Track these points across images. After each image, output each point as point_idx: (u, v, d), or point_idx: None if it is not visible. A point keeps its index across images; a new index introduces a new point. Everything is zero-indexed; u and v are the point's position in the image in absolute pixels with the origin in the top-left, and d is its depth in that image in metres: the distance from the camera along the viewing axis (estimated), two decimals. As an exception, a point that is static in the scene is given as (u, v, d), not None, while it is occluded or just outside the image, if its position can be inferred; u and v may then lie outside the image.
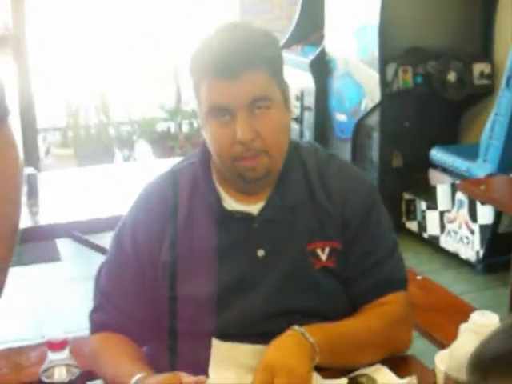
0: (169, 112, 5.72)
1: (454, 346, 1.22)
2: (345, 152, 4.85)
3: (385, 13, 4.35)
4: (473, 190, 3.13)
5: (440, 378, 1.33)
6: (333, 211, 1.53)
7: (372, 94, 4.53)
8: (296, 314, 1.48)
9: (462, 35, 4.70)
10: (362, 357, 1.50)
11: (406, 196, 4.63)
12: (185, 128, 5.71)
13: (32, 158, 5.19)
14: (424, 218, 4.52)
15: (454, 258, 4.30)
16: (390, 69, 4.42)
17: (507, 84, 3.69)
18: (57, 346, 1.23)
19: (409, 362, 1.60)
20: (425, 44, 4.56)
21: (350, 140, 4.80)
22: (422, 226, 4.55)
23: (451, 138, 4.70)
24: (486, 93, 4.62)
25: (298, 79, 5.18)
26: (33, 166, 5.10)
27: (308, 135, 5.24)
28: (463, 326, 1.23)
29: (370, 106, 4.56)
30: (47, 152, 5.39)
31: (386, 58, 4.42)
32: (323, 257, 1.52)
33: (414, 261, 4.34)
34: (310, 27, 5.31)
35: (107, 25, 6.03)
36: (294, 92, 5.27)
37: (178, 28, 6.00)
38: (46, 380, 1.24)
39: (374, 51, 4.42)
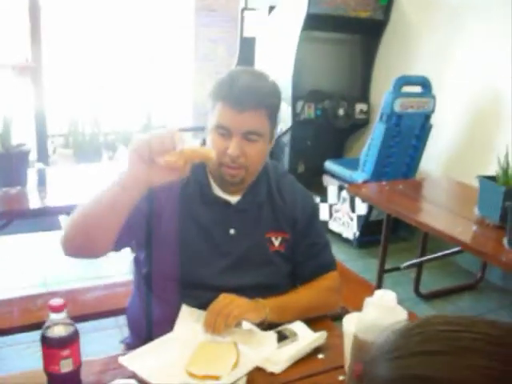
0: (142, 126, 5.54)
1: (362, 315, 1.11)
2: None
3: (296, 66, 4.30)
4: (356, 191, 3.09)
5: (346, 335, 1.23)
6: (285, 212, 1.50)
7: (286, 121, 4.45)
8: (252, 287, 1.40)
9: (348, 83, 4.70)
10: (304, 316, 1.45)
11: (307, 192, 4.58)
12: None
13: (42, 155, 5.03)
14: (318, 209, 4.47)
15: (338, 236, 4.26)
16: (299, 104, 4.37)
17: (380, 118, 3.67)
18: (56, 307, 1.09)
19: (320, 320, 1.50)
20: (323, 88, 4.52)
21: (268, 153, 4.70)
22: (317, 214, 4.49)
23: (339, 153, 4.70)
24: (363, 124, 4.62)
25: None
26: (43, 162, 5.00)
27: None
28: (368, 300, 1.12)
29: (284, 129, 4.49)
30: (54, 151, 5.20)
31: (296, 96, 4.36)
32: (276, 243, 1.49)
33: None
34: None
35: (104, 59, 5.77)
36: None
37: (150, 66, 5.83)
38: (48, 335, 1.08)
39: (288, 91, 4.34)
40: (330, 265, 1.57)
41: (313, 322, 1.43)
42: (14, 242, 3.99)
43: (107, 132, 5.42)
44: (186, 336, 1.29)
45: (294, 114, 4.37)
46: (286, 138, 4.50)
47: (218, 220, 1.45)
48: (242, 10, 5.31)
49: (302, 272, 1.53)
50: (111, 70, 5.77)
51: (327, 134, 4.61)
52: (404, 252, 3.73)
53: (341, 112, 4.46)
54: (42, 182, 2.67)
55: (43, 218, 3.69)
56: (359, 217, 4.00)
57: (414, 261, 3.35)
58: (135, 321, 1.54)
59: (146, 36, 6.09)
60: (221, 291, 1.33)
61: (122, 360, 1.20)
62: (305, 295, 1.49)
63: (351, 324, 1.21)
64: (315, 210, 1.60)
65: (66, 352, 1.08)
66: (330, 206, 4.31)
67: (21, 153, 2.55)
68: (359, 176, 3.86)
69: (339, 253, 3.99)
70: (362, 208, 3.95)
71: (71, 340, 1.09)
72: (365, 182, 3.72)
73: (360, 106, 4.55)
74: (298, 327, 1.40)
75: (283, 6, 4.51)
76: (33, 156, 5.02)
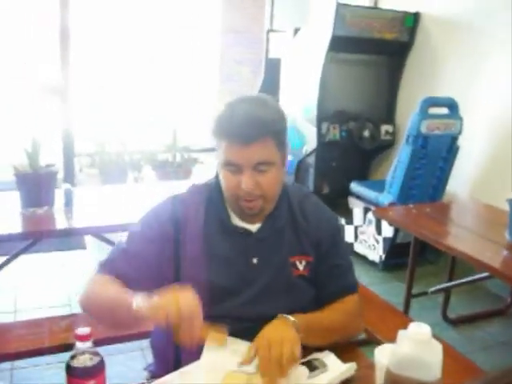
0: (167, 146, 5.55)
1: (396, 348, 1.06)
2: (289, 181, 4.73)
3: (321, 87, 4.28)
4: (383, 215, 3.04)
5: (379, 368, 1.18)
6: (309, 233, 1.45)
7: (311, 142, 4.44)
8: (277, 315, 1.33)
9: (373, 104, 4.65)
10: (328, 338, 1.40)
11: (331, 214, 4.53)
12: (178, 158, 5.52)
13: (69, 175, 5.07)
14: (343, 230, 4.41)
15: (363, 259, 4.19)
16: (324, 125, 4.34)
17: (407, 140, 3.61)
18: (83, 337, 1.06)
19: (350, 350, 1.46)
20: (348, 109, 4.50)
21: (293, 174, 4.69)
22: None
23: (364, 175, 4.64)
24: (389, 145, 4.56)
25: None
26: (69, 181, 5.05)
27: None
28: (402, 333, 1.06)
29: (309, 150, 4.47)
30: (80, 170, 5.21)
31: (321, 118, 4.33)
32: (300, 267, 1.44)
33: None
34: (268, 93, 5.07)
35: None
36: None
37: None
38: (73, 364, 1.05)
39: (313, 113, 4.33)
40: (351, 287, 1.51)
41: (341, 350, 1.38)
42: (39, 260, 4.01)
43: (133, 151, 5.44)
44: (213, 365, 1.25)
45: (319, 136, 4.33)
46: (311, 159, 4.47)
47: (239, 250, 1.41)
48: (268, 32, 5.33)
49: (322, 294, 1.48)
50: (137, 91, 5.84)
51: (352, 155, 4.57)
52: (431, 276, 3.65)
53: (366, 133, 4.41)
54: (68, 202, 2.68)
55: (69, 237, 3.71)
56: (385, 239, 3.93)
57: (442, 285, 3.27)
58: (160, 348, 1.50)
59: (172, 56, 6.16)
60: (246, 321, 1.30)
61: None
62: (328, 316, 1.43)
63: (384, 356, 1.16)
64: (339, 230, 1.54)
65: (91, 383, 1.05)
66: (356, 228, 4.25)
67: (49, 173, 2.56)
68: (385, 198, 3.80)
69: (364, 276, 3.93)
70: (388, 230, 3.88)
71: (96, 370, 1.05)
72: (391, 204, 3.66)
73: (385, 128, 4.50)
74: (328, 357, 1.35)
75: (308, 28, 4.51)
76: (59, 175, 5.10)
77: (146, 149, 5.50)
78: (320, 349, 1.37)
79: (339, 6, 4.09)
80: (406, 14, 4.33)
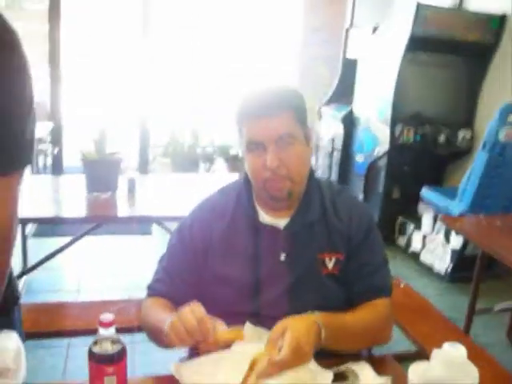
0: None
1: (427, 368, 0.99)
2: (359, 184, 4.67)
3: (397, 88, 4.16)
4: (451, 224, 2.90)
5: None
6: (340, 229, 1.39)
7: (383, 144, 4.31)
8: (306, 310, 1.27)
9: (451, 108, 4.43)
10: (355, 343, 1.34)
11: (400, 219, 4.40)
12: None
13: (143, 163, 5.24)
14: (411, 237, 4.27)
15: (428, 269, 4.04)
16: (398, 128, 4.19)
17: (483, 147, 3.43)
18: (106, 324, 1.06)
19: (388, 363, 1.39)
20: (424, 112, 4.31)
21: (364, 176, 4.58)
22: (409, 243, 4.29)
23: (437, 182, 4.43)
24: (466, 152, 4.34)
25: (332, 128, 5.06)
26: (143, 169, 5.23)
27: (335, 169, 5.06)
28: (435, 352, 0.99)
29: (381, 152, 4.35)
30: (153, 160, 5.36)
31: (395, 119, 4.19)
32: (330, 265, 1.38)
33: (400, 268, 4.11)
34: (344, 92, 5.07)
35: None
36: (328, 136, 5.12)
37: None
38: (94, 350, 1.05)
39: (387, 114, 4.21)
40: (380, 289, 1.41)
41: (377, 363, 1.32)
42: (106, 243, 4.15)
43: (205, 145, 5.52)
44: (243, 352, 1.22)
45: (392, 138, 4.20)
46: (383, 162, 4.34)
47: (267, 247, 1.39)
48: (347, 30, 5.23)
49: (351, 294, 1.41)
50: (215, 85, 5.90)
51: (426, 160, 4.39)
52: (499, 292, 3.43)
53: (442, 138, 4.23)
54: (131, 189, 2.75)
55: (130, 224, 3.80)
56: (453, 249, 3.75)
57: (509, 303, 3.07)
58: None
59: (250, 52, 6.17)
60: (273, 320, 1.22)
61: (173, 369, 1.20)
62: (353, 319, 1.34)
63: (417, 375, 1.09)
64: (372, 227, 1.44)
65: (110, 369, 1.05)
66: (424, 236, 4.09)
67: (113, 161, 2.63)
68: (457, 206, 3.62)
69: (428, 286, 3.78)
70: (457, 240, 3.70)
71: (117, 357, 1.06)
72: (462, 213, 3.49)
73: (463, 133, 4.28)
74: (362, 368, 1.28)
75: (387, 27, 4.38)
76: (134, 163, 5.26)
77: (219, 142, 5.57)
78: (356, 359, 1.32)
79: (420, 6, 3.93)
80: (491, 16, 4.10)
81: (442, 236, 3.85)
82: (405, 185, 4.35)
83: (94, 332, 2.21)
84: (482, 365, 2.02)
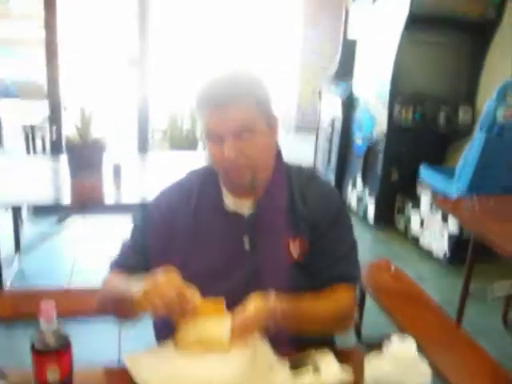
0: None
1: (374, 363, 0.95)
2: (358, 165, 4.61)
3: (396, 68, 4.07)
4: (444, 206, 2.83)
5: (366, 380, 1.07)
6: (306, 216, 1.36)
7: (381, 126, 4.24)
8: None
9: (452, 86, 4.31)
10: (311, 327, 1.31)
11: (398, 202, 4.34)
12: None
13: (143, 147, 5.18)
14: (409, 220, 4.21)
15: (428, 253, 3.99)
16: (396, 108, 4.11)
17: (480, 128, 3.35)
18: (47, 314, 1.03)
19: (352, 355, 1.34)
20: (423, 90, 4.21)
21: (362, 157, 4.51)
22: (408, 225, 4.24)
23: (437, 162, 4.31)
24: (467, 131, 4.22)
25: (332, 110, 4.99)
26: (142, 153, 5.18)
27: (334, 151, 5.00)
28: (386, 346, 0.95)
29: (379, 134, 4.28)
30: (152, 144, 5.33)
31: (393, 100, 4.11)
32: (295, 254, 1.36)
33: (399, 252, 4.08)
34: (344, 74, 4.98)
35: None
36: (328, 119, 5.07)
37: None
38: (36, 342, 1.03)
39: (386, 94, 4.13)
40: (343, 278, 1.38)
41: (340, 355, 1.27)
42: (96, 223, 4.10)
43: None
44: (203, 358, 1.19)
45: (390, 119, 4.13)
46: (381, 144, 4.28)
47: (231, 233, 1.36)
48: (347, 7, 5.09)
49: (315, 281, 1.37)
50: (214, 64, 5.84)
51: (426, 140, 4.29)
52: (497, 276, 3.37)
53: (442, 117, 4.14)
54: (117, 176, 2.71)
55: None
56: (451, 232, 3.69)
57: (505, 287, 3.01)
58: (163, 330, 1.47)
59: (254, 29, 6.09)
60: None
61: (126, 359, 1.18)
62: (313, 303, 1.33)
63: (370, 369, 1.05)
64: (340, 214, 1.41)
65: (52, 362, 1.03)
66: (422, 219, 4.03)
67: (97, 146, 2.60)
68: (454, 188, 3.55)
69: (426, 269, 3.75)
70: (455, 224, 3.63)
71: (59, 350, 1.03)
72: (459, 194, 3.42)
73: (464, 111, 4.18)
74: (325, 358, 1.25)
75: (386, 2, 4.26)
76: (133, 147, 5.22)
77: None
78: (320, 346, 1.28)
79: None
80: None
81: (439, 217, 3.78)
82: (404, 166, 4.27)
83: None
84: (470, 355, 2.01)
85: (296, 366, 1.22)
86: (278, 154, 1.41)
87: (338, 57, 5.19)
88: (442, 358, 1.95)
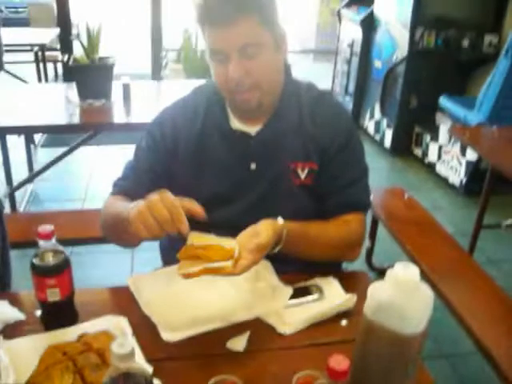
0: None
1: (374, 289, 0.93)
2: (376, 90, 4.49)
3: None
4: (461, 134, 2.75)
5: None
6: (316, 138, 1.31)
7: (402, 49, 4.07)
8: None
9: (479, 12, 4.08)
10: (317, 253, 1.29)
11: (417, 129, 4.24)
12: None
13: (156, 68, 5.08)
14: (427, 147, 4.12)
15: (444, 181, 3.93)
16: (418, 31, 3.94)
17: (506, 54, 3.19)
18: (45, 235, 1.02)
19: (359, 279, 1.33)
20: (447, 15, 3.99)
21: (381, 82, 4.37)
22: (425, 154, 4.16)
23: (459, 91, 4.18)
24: (491, 59, 4.03)
25: (351, 32, 4.82)
26: (156, 74, 5.07)
27: (353, 75, 4.86)
28: (388, 272, 0.92)
29: (400, 57, 4.12)
30: (165, 66, 5.20)
31: (416, 22, 3.92)
32: (302, 175, 1.31)
33: (414, 178, 4.03)
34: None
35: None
36: (347, 41, 4.90)
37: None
38: (35, 262, 1.03)
39: (408, 16, 3.94)
40: (354, 205, 1.34)
41: (346, 279, 1.27)
42: (110, 152, 4.12)
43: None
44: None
45: (412, 42, 3.96)
46: (401, 68, 4.13)
47: (237, 155, 1.32)
48: None
49: (324, 207, 1.34)
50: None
51: (448, 67, 4.13)
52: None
53: (465, 43, 3.96)
54: (126, 96, 2.66)
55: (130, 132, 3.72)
56: (469, 162, 3.61)
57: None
58: (169, 251, 1.47)
59: None
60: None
61: (129, 281, 1.19)
62: (322, 228, 1.30)
63: (372, 295, 1.03)
64: (350, 137, 1.34)
65: (52, 281, 1.03)
66: (440, 147, 3.94)
67: (105, 66, 2.53)
68: (474, 117, 3.45)
69: (442, 198, 3.72)
70: (472, 153, 3.54)
71: (58, 269, 1.03)
72: (480, 124, 3.32)
73: (490, 38, 3.99)
74: (328, 283, 1.25)
75: None
76: (147, 69, 5.12)
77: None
78: (325, 274, 1.27)
79: None
80: None
81: (458, 148, 3.70)
82: (424, 93, 4.14)
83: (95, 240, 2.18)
84: (479, 284, 2.00)
85: (300, 292, 1.22)
86: (287, 73, 1.34)
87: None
88: (451, 286, 1.96)
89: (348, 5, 4.96)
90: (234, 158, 1.32)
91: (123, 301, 1.17)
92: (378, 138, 4.56)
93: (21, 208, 3.14)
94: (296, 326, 1.12)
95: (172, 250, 1.25)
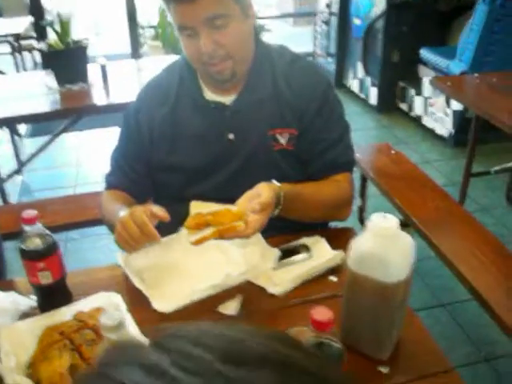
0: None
1: (355, 242, 0.95)
2: (357, 48, 4.47)
3: None
4: (441, 86, 2.75)
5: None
6: (292, 103, 1.31)
7: (380, 4, 4.04)
8: None
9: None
10: (311, 213, 1.31)
11: (401, 84, 4.23)
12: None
13: (135, 47, 5.01)
14: (412, 101, 4.12)
15: (431, 133, 3.94)
16: (395, -16, 3.88)
17: (483, 0, 3.16)
18: (29, 219, 1.04)
19: (347, 235, 1.34)
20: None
21: (361, 39, 4.34)
22: (411, 108, 4.16)
23: (440, 41, 4.14)
24: (471, 6, 3.98)
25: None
26: (135, 54, 5.02)
27: (332, 34, 4.83)
28: (368, 223, 0.94)
29: (378, 13, 4.08)
30: (143, 43, 5.14)
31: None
32: (282, 141, 1.32)
33: (402, 133, 4.05)
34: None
35: None
36: (324, 1, 4.82)
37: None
38: (23, 247, 1.05)
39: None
40: (338, 166, 1.36)
41: (334, 235, 1.29)
42: (98, 136, 4.11)
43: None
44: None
45: (389, -4, 3.91)
46: (380, 24, 4.10)
47: (214, 127, 1.32)
48: None
49: (308, 171, 1.36)
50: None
51: (427, 19, 4.07)
52: (501, 154, 3.34)
53: (443, -7, 3.92)
54: (105, 78, 2.65)
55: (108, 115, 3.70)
56: (455, 112, 3.62)
57: (508, 164, 3.00)
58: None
59: None
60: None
61: (119, 257, 1.21)
62: (313, 187, 1.32)
63: (353, 247, 1.05)
64: (327, 97, 1.35)
65: (42, 264, 1.05)
66: (425, 100, 3.94)
67: (79, 49, 2.51)
68: (456, 66, 3.44)
69: (431, 151, 3.73)
70: (458, 103, 3.55)
71: (47, 252, 1.05)
72: (462, 73, 3.32)
73: (468, -16, 3.94)
74: (315, 242, 1.27)
75: None
76: (127, 49, 5.06)
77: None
78: (311, 234, 1.30)
79: None
80: None
81: (443, 99, 3.70)
82: (405, 47, 4.11)
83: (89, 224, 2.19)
84: (470, 232, 2.03)
85: (288, 252, 1.24)
86: (257, 40, 1.34)
87: None
88: (443, 236, 1.98)
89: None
90: (211, 129, 1.32)
91: (116, 278, 1.20)
92: (363, 96, 4.55)
93: (12, 200, 3.15)
94: (286, 285, 1.15)
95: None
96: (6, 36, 4.67)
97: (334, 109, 1.38)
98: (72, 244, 2.80)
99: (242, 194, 1.15)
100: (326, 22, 4.87)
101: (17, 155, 3.47)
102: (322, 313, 0.74)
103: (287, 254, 1.23)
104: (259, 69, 1.32)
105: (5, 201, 3.00)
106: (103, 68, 2.62)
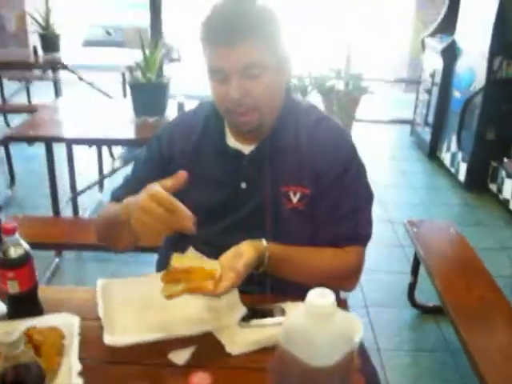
0: (337, 72, 5.33)
1: (290, 316, 0.89)
2: (454, 121, 4.27)
3: (499, 14, 3.67)
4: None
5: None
6: (312, 163, 1.27)
7: (481, 79, 3.87)
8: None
9: None
10: (301, 277, 1.24)
11: (493, 163, 3.97)
12: (350, 86, 5.27)
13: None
14: (502, 183, 3.85)
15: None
16: (497, 60, 3.73)
17: None
18: (9, 230, 1.08)
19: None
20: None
21: (458, 114, 4.16)
22: (500, 190, 3.89)
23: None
24: None
25: (433, 61, 4.66)
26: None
27: (433, 104, 4.69)
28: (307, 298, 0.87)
29: (476, 88, 3.91)
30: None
31: (495, 50, 3.73)
32: (294, 199, 1.28)
33: (484, 214, 3.80)
34: (450, 24, 4.56)
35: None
36: (429, 70, 4.74)
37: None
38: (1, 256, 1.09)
39: (487, 44, 3.75)
40: (349, 238, 1.29)
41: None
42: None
43: (301, 75, 5.32)
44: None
45: (490, 72, 3.76)
46: (477, 99, 3.92)
47: (230, 173, 1.31)
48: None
49: (318, 235, 1.30)
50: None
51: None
52: None
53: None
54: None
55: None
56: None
57: None
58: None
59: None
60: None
61: (99, 282, 1.22)
62: (312, 253, 1.27)
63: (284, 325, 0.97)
64: (350, 164, 1.29)
65: (11, 274, 1.09)
66: (515, 185, 3.68)
67: (160, 84, 2.64)
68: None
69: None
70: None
71: (17, 263, 1.09)
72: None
73: None
74: (295, 308, 1.20)
75: None
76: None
77: (315, 73, 5.34)
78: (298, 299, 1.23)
79: None
80: None
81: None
82: (501, 126, 3.88)
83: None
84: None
85: (263, 313, 1.19)
86: (287, 95, 1.33)
87: (444, 7, 4.79)
88: (474, 332, 1.79)
89: (432, 34, 4.82)
90: (226, 175, 1.32)
91: (88, 302, 1.21)
92: (453, 170, 4.35)
93: (84, 214, 3.33)
94: (245, 346, 1.09)
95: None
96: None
97: (357, 178, 1.32)
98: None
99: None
100: (428, 91, 4.75)
101: (100, 172, 3.69)
102: (200, 378, 0.70)
103: (262, 314, 1.18)
104: (283, 122, 1.30)
105: (75, 213, 3.18)
106: (180, 105, 2.74)
